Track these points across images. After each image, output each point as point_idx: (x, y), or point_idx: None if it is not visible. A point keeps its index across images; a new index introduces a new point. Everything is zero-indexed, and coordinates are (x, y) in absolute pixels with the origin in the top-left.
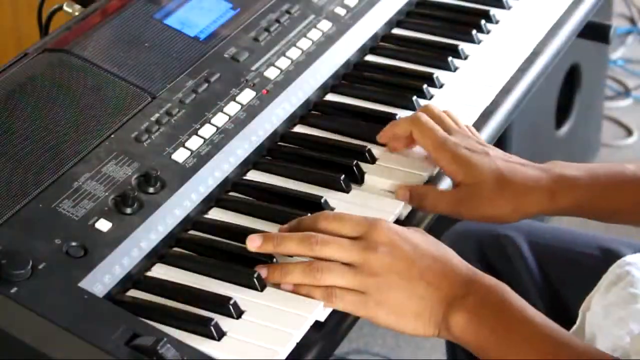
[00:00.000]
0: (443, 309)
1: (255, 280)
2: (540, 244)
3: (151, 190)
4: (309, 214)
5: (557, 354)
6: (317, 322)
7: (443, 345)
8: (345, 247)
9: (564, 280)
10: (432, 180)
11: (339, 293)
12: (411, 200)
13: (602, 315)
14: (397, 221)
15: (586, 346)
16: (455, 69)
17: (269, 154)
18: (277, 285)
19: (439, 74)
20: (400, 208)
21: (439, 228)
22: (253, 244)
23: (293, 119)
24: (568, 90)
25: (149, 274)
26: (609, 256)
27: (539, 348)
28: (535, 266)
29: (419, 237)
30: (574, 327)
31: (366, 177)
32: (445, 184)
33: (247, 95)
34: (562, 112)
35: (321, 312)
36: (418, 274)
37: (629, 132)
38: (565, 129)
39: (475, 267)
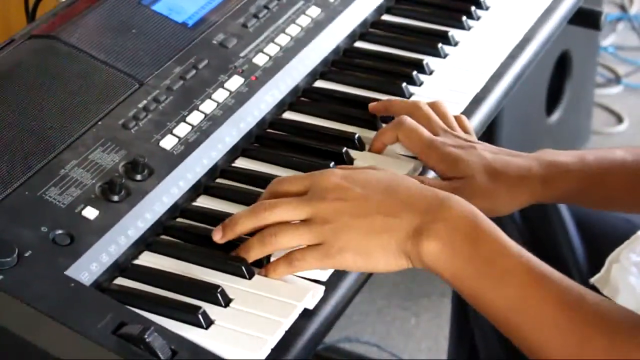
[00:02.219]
0: (410, 237)
1: (243, 268)
2: (581, 210)
3: (139, 177)
4: None
5: (540, 285)
6: (305, 310)
7: (434, 332)
8: (293, 204)
9: (599, 237)
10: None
11: (299, 255)
12: None
13: (632, 272)
14: None
15: (569, 280)
16: (445, 55)
17: (258, 141)
18: None
19: (428, 60)
20: None
21: None
22: (217, 236)
23: (282, 106)
24: (558, 77)
25: (136, 262)
26: None
27: (519, 281)
28: (571, 221)
29: (370, 174)
30: (597, 275)
31: (355, 163)
32: None
33: (235, 82)
34: (553, 99)
35: (310, 300)
36: (372, 209)
37: (620, 120)
38: (555, 116)
39: (510, 217)
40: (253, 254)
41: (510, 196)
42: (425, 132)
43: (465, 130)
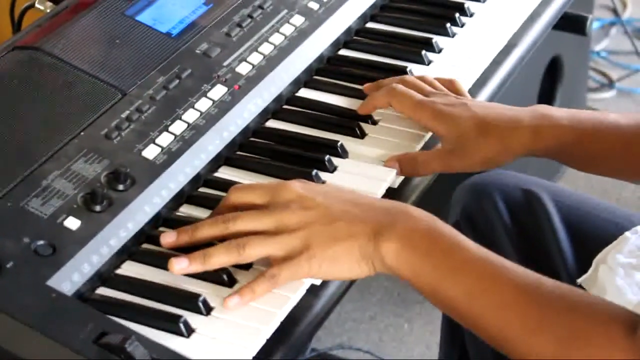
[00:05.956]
0: (372, 241)
1: (224, 276)
2: (565, 204)
3: (121, 187)
4: None
5: (497, 271)
6: (288, 316)
7: (426, 339)
8: (257, 215)
9: (588, 239)
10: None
11: (275, 271)
12: (403, 168)
13: (618, 274)
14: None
15: (526, 269)
16: (429, 62)
17: (241, 150)
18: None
19: (412, 67)
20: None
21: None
22: (167, 239)
23: (265, 115)
24: (550, 82)
25: (118, 271)
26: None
27: (477, 271)
28: (560, 223)
29: (329, 186)
30: (585, 276)
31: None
32: None
33: (218, 91)
34: (544, 104)
35: (291, 309)
36: (335, 216)
37: None
38: None
39: (500, 218)
40: (214, 261)
41: (504, 147)
42: (416, 94)
43: (459, 92)
